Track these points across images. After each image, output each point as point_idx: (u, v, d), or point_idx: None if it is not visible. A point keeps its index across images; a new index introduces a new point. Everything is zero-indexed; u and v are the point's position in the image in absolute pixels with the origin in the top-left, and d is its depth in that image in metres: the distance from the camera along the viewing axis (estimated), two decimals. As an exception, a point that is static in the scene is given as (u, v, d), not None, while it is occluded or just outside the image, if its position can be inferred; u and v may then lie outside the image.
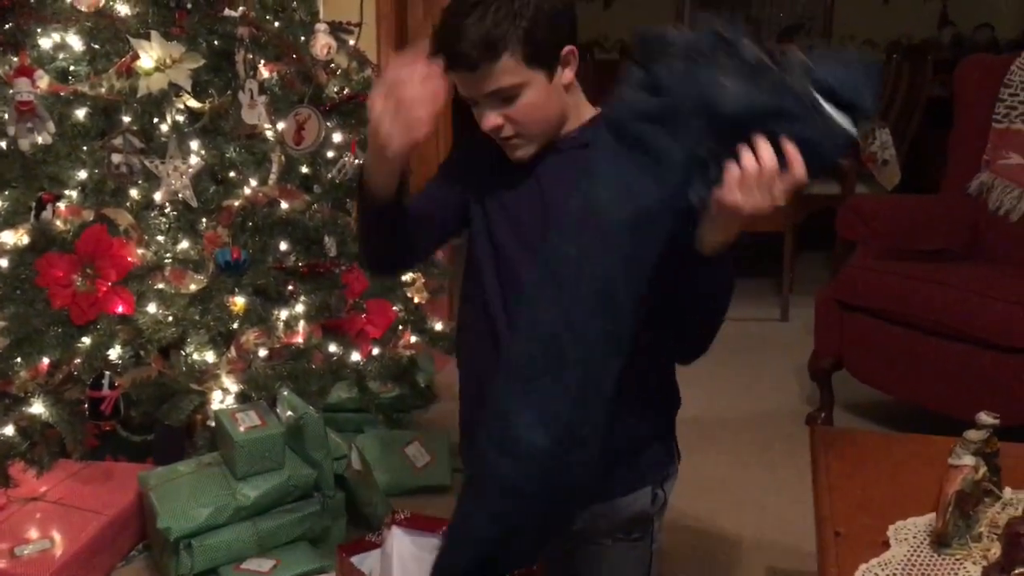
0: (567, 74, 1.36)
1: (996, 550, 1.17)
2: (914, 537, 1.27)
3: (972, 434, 1.25)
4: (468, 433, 1.51)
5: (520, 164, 1.39)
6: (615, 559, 1.49)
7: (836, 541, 1.29)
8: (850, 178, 4.13)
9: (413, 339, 2.65)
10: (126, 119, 2.20)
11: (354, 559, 1.67)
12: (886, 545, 1.26)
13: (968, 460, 1.22)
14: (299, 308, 2.29)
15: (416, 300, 2.69)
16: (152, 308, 2.15)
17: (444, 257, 3.10)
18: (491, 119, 1.31)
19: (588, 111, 1.42)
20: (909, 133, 4.50)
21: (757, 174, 1.07)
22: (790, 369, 3.34)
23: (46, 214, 2.13)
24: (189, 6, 2.25)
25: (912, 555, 1.23)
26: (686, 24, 1.18)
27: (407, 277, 2.64)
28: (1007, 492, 1.33)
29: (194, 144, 2.23)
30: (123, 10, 2.22)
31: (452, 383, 2.64)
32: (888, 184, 4.11)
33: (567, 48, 1.34)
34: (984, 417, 1.27)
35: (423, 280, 2.69)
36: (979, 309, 2.42)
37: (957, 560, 1.21)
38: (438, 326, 2.74)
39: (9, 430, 2.10)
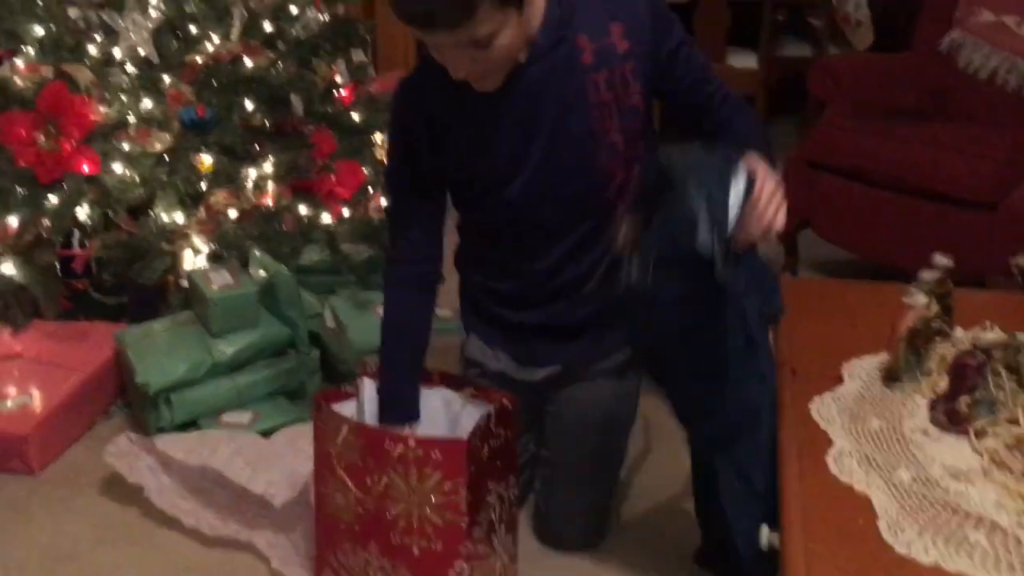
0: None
1: (944, 384, 1.22)
2: (867, 374, 1.32)
3: (926, 274, 1.29)
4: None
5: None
6: (603, 393, 1.56)
7: (793, 379, 1.34)
8: (823, 38, 4.08)
9: (383, 202, 2.64)
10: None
11: (335, 407, 1.72)
12: (840, 380, 1.32)
13: (921, 299, 1.26)
14: (268, 168, 2.28)
15: (386, 162, 2.67)
16: (118, 168, 2.13)
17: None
18: (463, 68, 1.25)
19: (539, 9, 1.34)
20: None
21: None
22: (758, 230, 3.38)
23: (4, 70, 2.08)
24: None
25: (864, 389, 1.29)
26: None
27: (376, 137, 2.61)
28: (957, 331, 1.38)
29: (154, -2, 2.16)
30: None
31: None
32: (860, 45, 4.07)
33: None
34: (939, 259, 1.31)
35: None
36: (943, 164, 2.45)
37: (907, 393, 1.27)
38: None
39: (-16, 289, 2.11)
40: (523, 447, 1.64)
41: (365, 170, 2.57)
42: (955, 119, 2.75)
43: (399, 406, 1.51)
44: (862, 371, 1.33)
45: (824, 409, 1.23)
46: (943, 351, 1.31)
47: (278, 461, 1.77)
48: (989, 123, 2.68)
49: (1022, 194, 2.35)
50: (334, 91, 2.55)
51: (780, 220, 1.19)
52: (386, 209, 1.55)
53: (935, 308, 1.28)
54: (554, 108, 1.37)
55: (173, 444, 1.79)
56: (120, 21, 2.10)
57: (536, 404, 1.64)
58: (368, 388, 1.67)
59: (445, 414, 1.59)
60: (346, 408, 1.76)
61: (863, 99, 2.80)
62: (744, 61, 3.99)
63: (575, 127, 1.38)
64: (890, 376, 1.29)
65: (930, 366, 1.30)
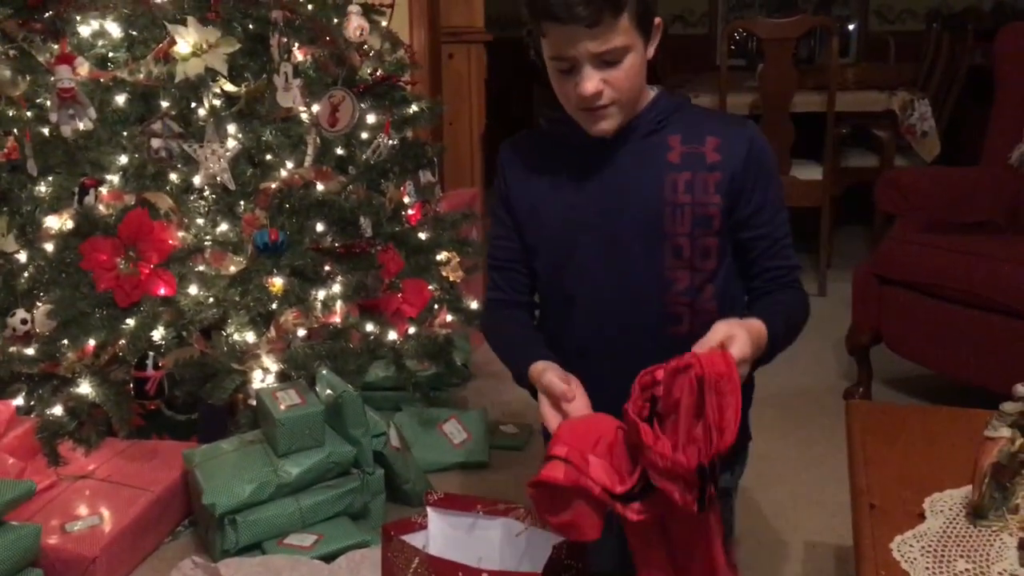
0: (651, 48, 1.36)
1: (1031, 522, 1.16)
2: (950, 509, 1.27)
3: (1008, 406, 1.24)
4: None
5: (589, 148, 1.38)
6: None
7: (871, 514, 1.29)
8: (888, 150, 4.07)
9: (449, 318, 2.67)
10: (164, 104, 2.24)
11: (406, 538, 1.70)
12: (921, 517, 1.26)
13: (1004, 432, 1.21)
14: (336, 288, 2.32)
15: (451, 279, 2.71)
16: (193, 290, 2.20)
17: (478, 236, 3.12)
18: (593, 83, 1.29)
19: (650, 90, 1.42)
20: (949, 104, 4.42)
21: None
22: (828, 344, 3.32)
23: (89, 199, 2.17)
24: (224, -9, 2.28)
25: (947, 527, 1.23)
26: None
27: (441, 256, 2.66)
28: (1045, 464, 1.32)
29: (231, 128, 2.26)
30: (161, -4, 2.26)
31: (488, 361, 2.67)
32: (927, 156, 4.05)
33: (658, 19, 1.35)
34: (1021, 388, 1.26)
35: (458, 259, 2.72)
36: (1017, 280, 2.39)
37: (993, 532, 1.21)
38: (473, 304, 2.76)
39: (58, 410, 2.16)
40: None
41: (431, 288, 2.61)
42: (1028, 232, 2.69)
43: (524, 357, 1.42)
44: (945, 506, 1.28)
45: (906, 549, 1.18)
46: (1030, 487, 1.25)
47: (340, 588, 1.74)
48: (1065, 237, 2.62)
49: (1105, 310, 2.27)
50: (402, 211, 2.61)
51: None
52: (488, 254, 1.58)
53: (1019, 440, 1.23)
54: (631, 191, 1.38)
55: (236, 570, 1.78)
56: (200, 151, 2.19)
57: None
58: (434, 520, 1.65)
59: (511, 544, 1.56)
60: (417, 539, 1.74)
61: (932, 213, 2.77)
62: (809, 173, 3.99)
63: (645, 215, 1.39)
64: (975, 513, 1.23)
65: (1017, 502, 1.24)
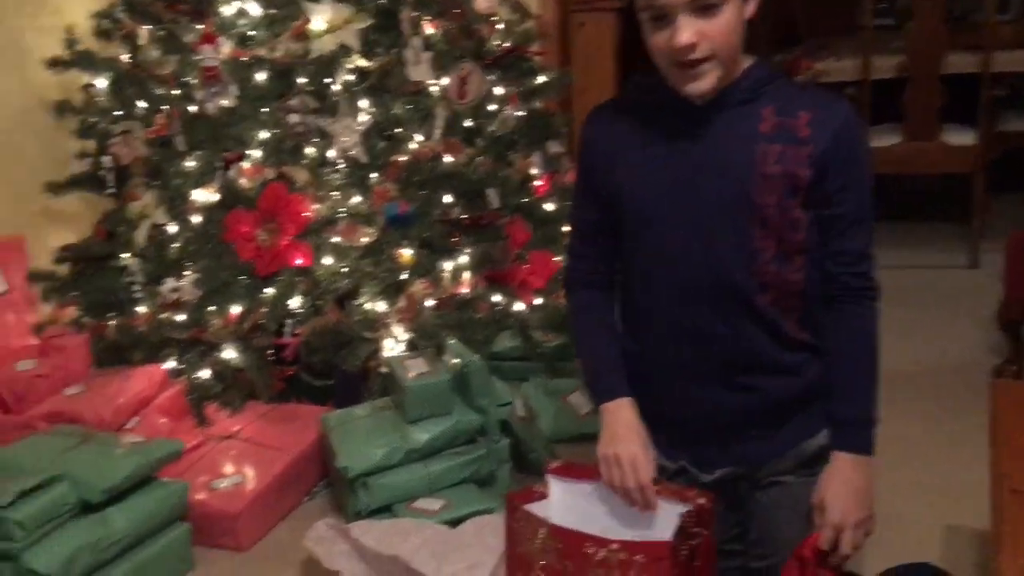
0: (751, 7, 1.31)
1: None
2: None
3: None
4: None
5: (679, 115, 1.36)
6: (800, 494, 1.48)
7: (1012, 499, 1.22)
8: (1050, 113, 3.80)
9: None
10: (301, 80, 2.31)
11: (530, 508, 1.72)
12: (1068, 505, 1.19)
13: None
14: (464, 259, 2.36)
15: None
16: (328, 260, 2.28)
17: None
18: (688, 33, 1.24)
19: (746, 59, 1.38)
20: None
21: None
22: (978, 319, 3.14)
23: (231, 173, 2.28)
24: (355, -32, 2.33)
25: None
26: None
27: (567, 228, 2.65)
28: None
29: (363, 102, 2.31)
30: (296, -24, 2.33)
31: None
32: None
33: None
34: None
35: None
36: None
37: None
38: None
39: (205, 374, 2.29)
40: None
41: (557, 259, 2.62)
42: None
43: (605, 386, 1.46)
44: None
45: (1050, 537, 1.11)
46: None
47: (465, 551, 1.78)
48: None
49: None
50: (529, 183, 2.62)
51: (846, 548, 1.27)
52: (570, 219, 1.57)
53: None
54: (720, 157, 1.35)
55: (367, 532, 1.85)
56: (334, 125, 2.25)
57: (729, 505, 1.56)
58: (556, 488, 1.66)
59: (632, 511, 1.55)
60: (539, 509, 1.76)
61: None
62: (961, 138, 3.77)
63: (734, 184, 1.35)
64: None
65: None
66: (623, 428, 1.41)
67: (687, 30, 1.24)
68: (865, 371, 1.37)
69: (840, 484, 1.30)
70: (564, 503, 1.59)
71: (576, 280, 1.55)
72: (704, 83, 1.29)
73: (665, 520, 1.44)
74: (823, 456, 1.42)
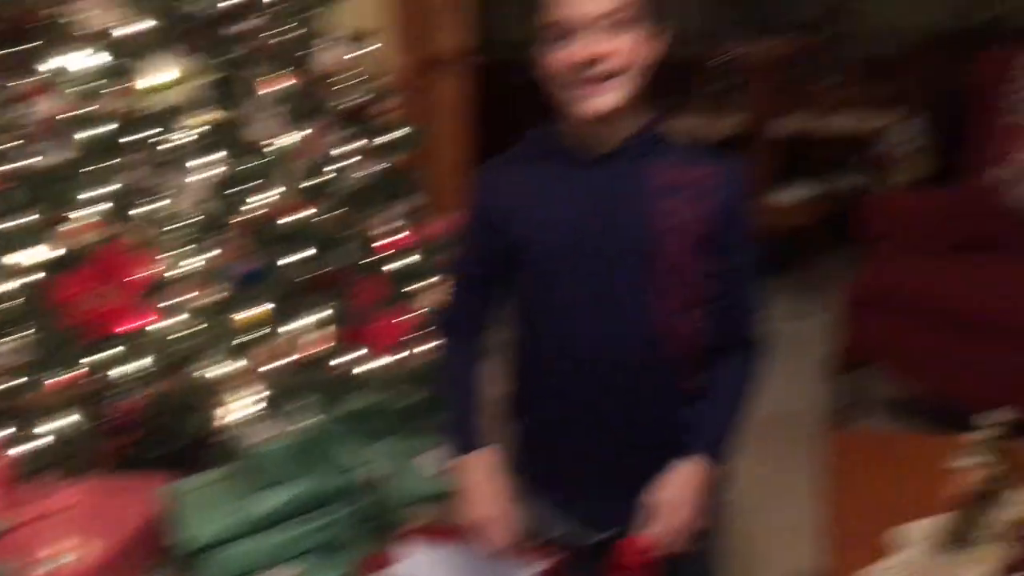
0: (656, 50, 1.31)
1: (1006, 551, 1.14)
2: (922, 540, 1.25)
3: (983, 433, 1.22)
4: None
5: (577, 165, 1.35)
6: (683, 559, 1.48)
7: (842, 544, 1.27)
8: (877, 171, 4.08)
9: (431, 345, 2.65)
10: (140, 136, 2.23)
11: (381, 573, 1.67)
12: (892, 548, 1.24)
13: (971, 462, 1.20)
14: (315, 318, 2.31)
15: (434, 306, 2.69)
16: (170, 322, 2.18)
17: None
18: (593, 46, 1.23)
19: (641, 114, 1.36)
20: (937, 124, 4.42)
21: None
22: (816, 367, 3.30)
23: (64, 231, 2.16)
24: (198, 21, 2.27)
25: (917, 557, 1.21)
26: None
27: (423, 283, 2.64)
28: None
29: (207, 158, 2.25)
30: (131, 27, 2.25)
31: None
32: (916, 176, 4.05)
33: (664, 23, 1.30)
34: (999, 415, 1.25)
35: (441, 286, 2.70)
36: (998, 298, 2.38)
37: (972, 559, 1.19)
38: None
39: (33, 445, 2.14)
40: None
41: (414, 315, 2.59)
42: (1007, 252, 2.69)
43: (464, 438, 1.45)
44: (917, 536, 1.26)
45: (875, 582, 1.16)
46: (1007, 515, 1.23)
47: (315, 624, 1.72)
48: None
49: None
50: (383, 239, 2.60)
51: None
52: (453, 270, 1.55)
53: (995, 468, 1.21)
54: (619, 211, 1.35)
55: (209, 607, 1.76)
56: (176, 182, 2.18)
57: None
58: (411, 552, 1.63)
59: (490, 570, 1.53)
60: (394, 572, 1.72)
61: (915, 234, 2.76)
62: (794, 195, 4.00)
63: (633, 236, 1.36)
64: (945, 543, 1.21)
65: (990, 531, 1.22)
66: (480, 485, 1.39)
67: (593, 44, 1.24)
68: (730, 405, 1.40)
69: (677, 486, 1.32)
70: (419, 567, 1.56)
71: (449, 331, 1.54)
72: (605, 101, 1.26)
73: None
74: (703, 533, 1.44)
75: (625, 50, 1.25)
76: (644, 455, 1.40)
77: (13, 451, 2.14)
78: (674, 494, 1.32)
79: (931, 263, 2.62)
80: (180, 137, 2.23)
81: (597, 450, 1.45)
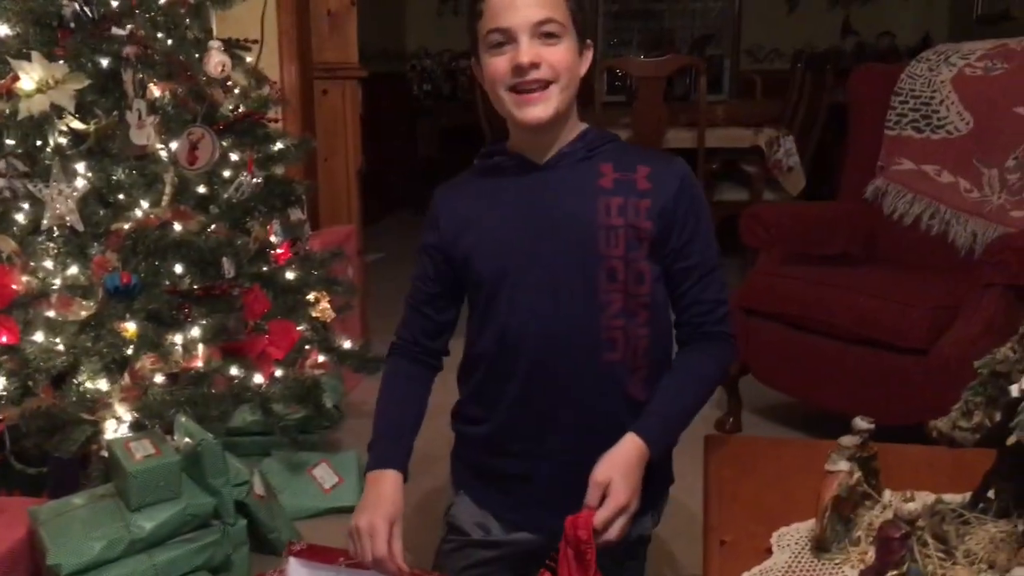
0: (584, 63, 1.38)
1: (873, 553, 1.19)
2: (796, 543, 1.28)
3: (847, 440, 1.27)
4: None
5: (522, 175, 1.39)
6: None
7: (721, 550, 1.30)
8: (757, 185, 4.22)
9: (321, 359, 2.61)
10: (9, 142, 2.12)
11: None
12: (769, 552, 1.27)
13: (843, 465, 1.24)
14: (195, 332, 2.24)
15: (322, 319, 2.65)
16: (39, 337, 2.08)
17: (351, 274, 3.07)
18: (531, 53, 1.29)
19: (578, 124, 1.43)
20: (812, 140, 4.61)
21: None
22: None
23: (-77, 242, 2.04)
24: (72, 25, 2.18)
25: (793, 561, 1.24)
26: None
27: (310, 296, 2.60)
28: (887, 495, 1.35)
29: (80, 167, 2.16)
30: (2, 30, 2.15)
31: (362, 401, 2.61)
32: (793, 190, 4.21)
33: (589, 40, 1.38)
34: (859, 422, 1.29)
35: (328, 299, 2.66)
36: (873, 311, 2.48)
37: (836, 565, 1.23)
38: (347, 344, 2.71)
39: None
40: None
41: (300, 328, 2.55)
42: (883, 264, 2.81)
43: (378, 454, 1.45)
44: (792, 540, 1.29)
45: (751, 585, 1.18)
46: (871, 518, 1.28)
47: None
48: (916, 268, 2.74)
49: (951, 339, 2.38)
50: (268, 251, 2.55)
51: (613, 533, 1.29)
52: (406, 298, 1.55)
53: (857, 474, 1.26)
54: (563, 213, 1.39)
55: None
56: (46, 191, 2.08)
57: None
58: (296, 571, 1.59)
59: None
60: (278, 593, 1.67)
61: (793, 246, 2.86)
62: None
63: (578, 238, 1.38)
64: (818, 547, 1.25)
65: (859, 535, 1.26)
66: (377, 500, 1.39)
67: (530, 50, 1.30)
68: (684, 392, 1.42)
69: (626, 466, 1.32)
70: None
71: (396, 349, 1.55)
72: (543, 109, 1.33)
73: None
74: (638, 547, 1.45)
75: (559, 59, 1.32)
76: (587, 463, 1.39)
77: None
78: (622, 472, 1.32)
79: (809, 274, 2.72)
80: (52, 144, 2.13)
81: (546, 455, 1.46)
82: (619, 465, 1.32)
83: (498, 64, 1.33)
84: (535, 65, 1.31)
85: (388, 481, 1.42)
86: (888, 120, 2.98)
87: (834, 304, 2.59)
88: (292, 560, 1.61)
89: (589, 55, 1.39)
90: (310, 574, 1.65)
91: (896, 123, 2.96)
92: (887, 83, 3.04)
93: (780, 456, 1.61)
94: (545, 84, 1.32)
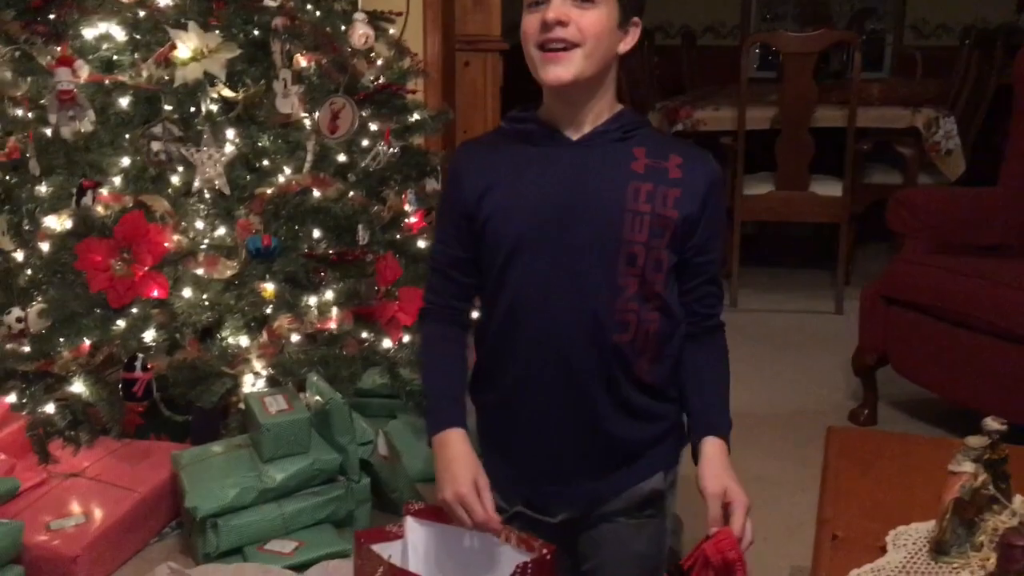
0: (627, 40, 1.35)
1: (994, 560, 1.13)
2: (913, 543, 1.24)
3: (974, 440, 1.20)
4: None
5: (552, 147, 1.37)
6: (627, 536, 1.49)
7: (832, 544, 1.26)
8: (912, 168, 4.01)
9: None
10: (165, 108, 2.26)
11: (375, 547, 1.68)
12: (883, 550, 1.23)
13: (968, 467, 1.18)
14: (329, 295, 2.32)
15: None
16: (187, 292, 2.21)
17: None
18: (558, 10, 1.27)
19: (615, 103, 1.40)
20: (977, 122, 4.34)
21: None
22: (840, 364, 3.27)
23: (87, 200, 2.20)
24: (227, -3, 2.29)
25: (908, 562, 1.20)
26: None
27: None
28: (1017, 500, 1.28)
29: (229, 132, 2.27)
30: (162, 1, 2.27)
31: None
32: (952, 175, 3.98)
33: (636, 16, 1.35)
34: (990, 423, 1.22)
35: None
36: (1021, 306, 2.33)
37: (954, 569, 1.18)
38: (474, 314, 2.75)
39: (50, 408, 2.18)
40: None
41: (430, 296, 2.61)
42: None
43: (437, 417, 1.46)
44: (909, 540, 1.25)
45: (860, 583, 1.15)
46: (996, 523, 1.21)
47: (310, 597, 1.74)
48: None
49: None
50: (402, 219, 2.61)
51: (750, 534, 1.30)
52: (430, 253, 1.57)
53: (982, 476, 1.19)
54: (592, 192, 1.37)
55: None
56: (197, 155, 2.20)
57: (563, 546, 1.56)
58: (410, 530, 1.64)
59: (484, 556, 1.54)
60: (389, 549, 1.72)
61: (942, 234, 2.71)
62: (829, 189, 3.93)
63: (605, 219, 1.37)
64: (937, 549, 1.20)
65: (981, 539, 1.20)
66: (452, 465, 1.40)
67: (559, 8, 1.28)
68: (726, 386, 1.44)
69: (725, 468, 1.33)
70: (416, 545, 1.57)
71: (428, 314, 1.55)
72: (564, 69, 1.30)
73: (510, 569, 1.43)
74: (653, 500, 1.45)
75: (590, 23, 1.29)
76: (594, 438, 1.41)
77: (30, 413, 2.19)
78: (729, 475, 1.33)
79: (956, 264, 2.57)
80: (204, 110, 2.25)
81: (552, 430, 1.46)
82: (723, 471, 1.33)
83: (530, 21, 1.31)
84: (562, 23, 1.28)
85: (455, 441, 1.42)
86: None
87: (980, 296, 2.44)
88: (409, 519, 1.66)
89: (635, 33, 1.35)
90: (426, 532, 1.70)
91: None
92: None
93: (904, 453, 1.55)
94: (570, 46, 1.29)
